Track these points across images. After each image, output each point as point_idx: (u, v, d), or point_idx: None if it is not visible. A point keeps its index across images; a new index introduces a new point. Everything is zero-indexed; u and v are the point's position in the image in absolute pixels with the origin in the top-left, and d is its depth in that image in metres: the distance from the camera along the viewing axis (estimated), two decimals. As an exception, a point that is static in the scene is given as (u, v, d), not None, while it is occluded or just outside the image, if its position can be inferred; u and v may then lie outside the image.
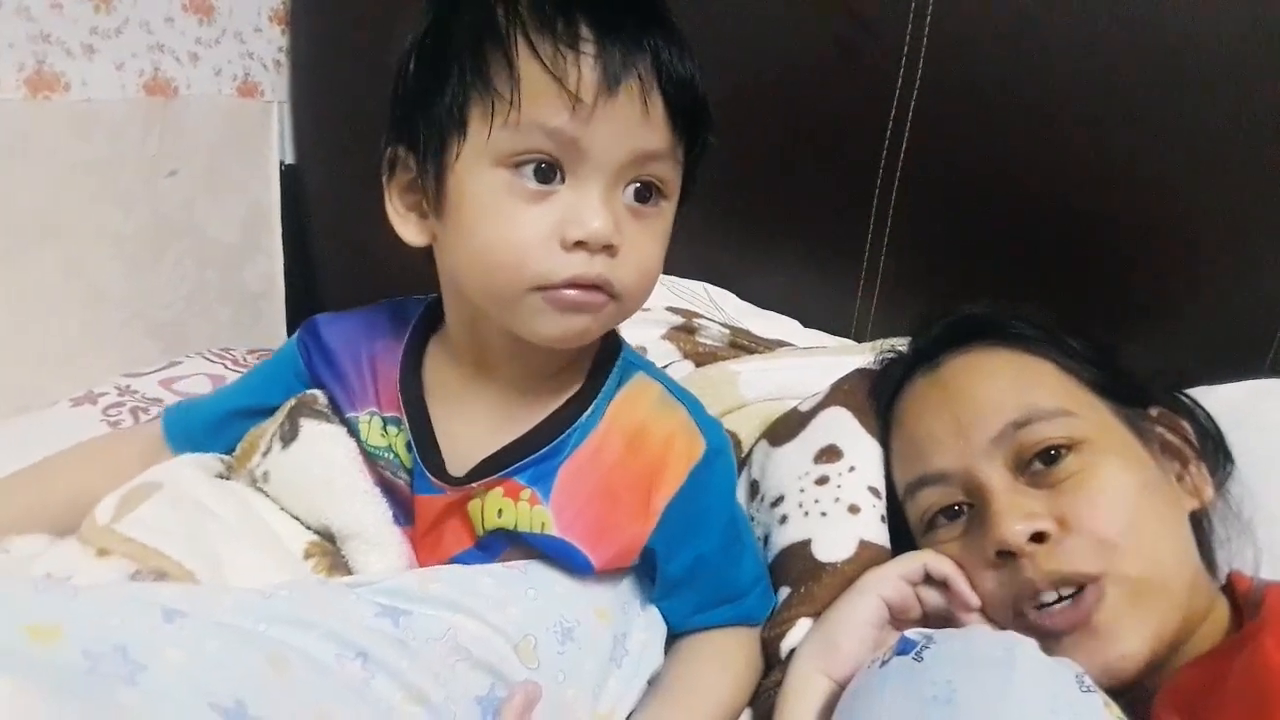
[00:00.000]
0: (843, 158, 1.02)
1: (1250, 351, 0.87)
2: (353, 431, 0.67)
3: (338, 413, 0.69)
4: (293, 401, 0.70)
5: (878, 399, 0.78)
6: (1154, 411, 0.71)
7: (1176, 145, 0.86)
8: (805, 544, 0.71)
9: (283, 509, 0.67)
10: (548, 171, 0.55)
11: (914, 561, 0.67)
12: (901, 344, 0.81)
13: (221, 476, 0.69)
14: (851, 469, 0.74)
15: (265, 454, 0.68)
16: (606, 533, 0.64)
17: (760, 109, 1.04)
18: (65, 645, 0.42)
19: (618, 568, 0.66)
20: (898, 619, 0.66)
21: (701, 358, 0.95)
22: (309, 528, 0.67)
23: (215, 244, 1.29)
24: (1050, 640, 0.58)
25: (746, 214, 1.10)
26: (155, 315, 1.22)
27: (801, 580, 0.70)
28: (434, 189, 0.58)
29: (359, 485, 0.66)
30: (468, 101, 0.55)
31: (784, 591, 0.70)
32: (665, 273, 1.08)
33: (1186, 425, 0.72)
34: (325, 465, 0.66)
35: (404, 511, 0.67)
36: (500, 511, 0.63)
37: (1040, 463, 0.64)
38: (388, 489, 0.67)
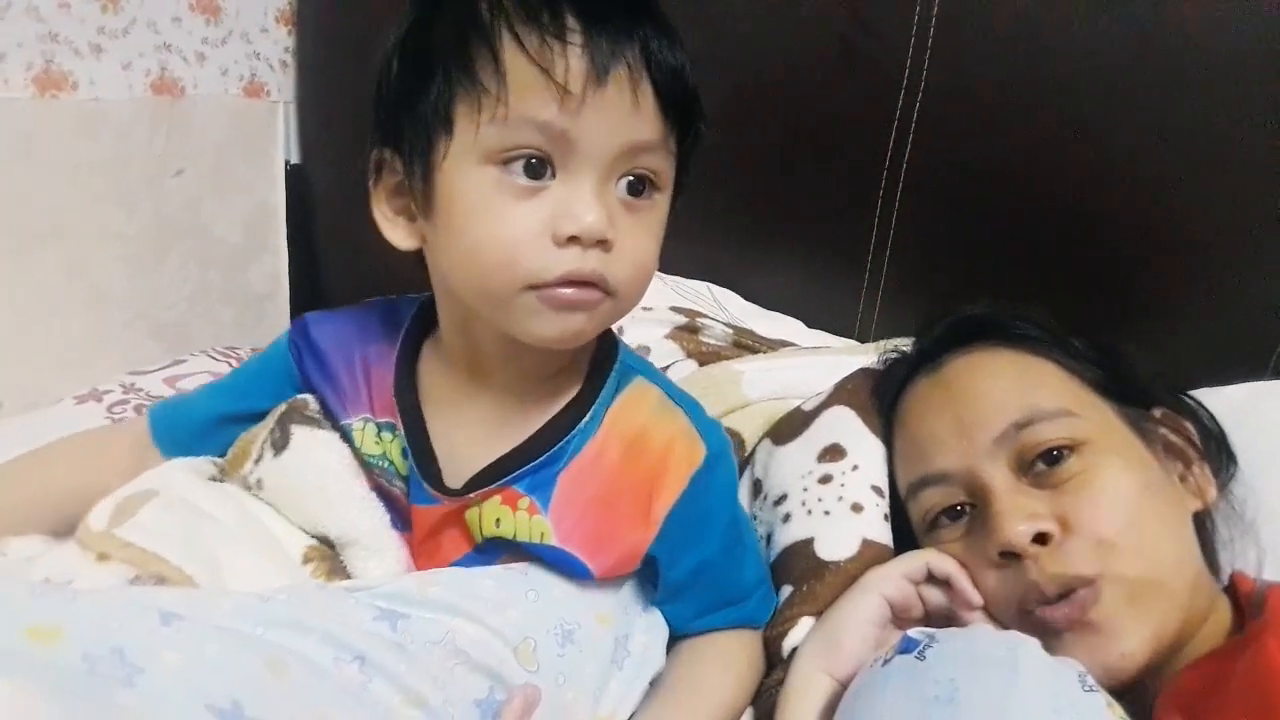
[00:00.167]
0: (846, 158, 1.02)
1: (1252, 353, 0.87)
2: (346, 438, 0.66)
3: (330, 418, 0.68)
4: (283, 407, 0.68)
5: (880, 399, 0.78)
6: (1157, 412, 0.71)
7: (1178, 146, 0.86)
8: (808, 542, 0.71)
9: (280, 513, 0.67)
10: (538, 167, 0.53)
11: (917, 560, 0.67)
12: (904, 344, 0.81)
13: (214, 479, 0.68)
14: (855, 468, 0.74)
15: (257, 461, 0.67)
16: (606, 541, 0.63)
17: (764, 109, 1.04)
18: (65, 647, 0.42)
19: (619, 575, 0.66)
20: (900, 618, 0.66)
21: (705, 357, 0.95)
22: (307, 533, 0.66)
23: (220, 244, 1.29)
24: (1052, 638, 0.58)
25: (750, 214, 1.10)
26: (159, 316, 1.22)
27: (804, 579, 0.69)
28: (422, 190, 0.56)
29: (354, 491, 0.65)
30: (453, 98, 0.53)
31: (786, 590, 0.70)
32: (669, 273, 1.09)
33: (1189, 426, 0.71)
34: (319, 472, 0.65)
35: (401, 518, 0.66)
36: (499, 521, 0.62)
37: (1042, 463, 0.64)
38: (384, 496, 0.66)
